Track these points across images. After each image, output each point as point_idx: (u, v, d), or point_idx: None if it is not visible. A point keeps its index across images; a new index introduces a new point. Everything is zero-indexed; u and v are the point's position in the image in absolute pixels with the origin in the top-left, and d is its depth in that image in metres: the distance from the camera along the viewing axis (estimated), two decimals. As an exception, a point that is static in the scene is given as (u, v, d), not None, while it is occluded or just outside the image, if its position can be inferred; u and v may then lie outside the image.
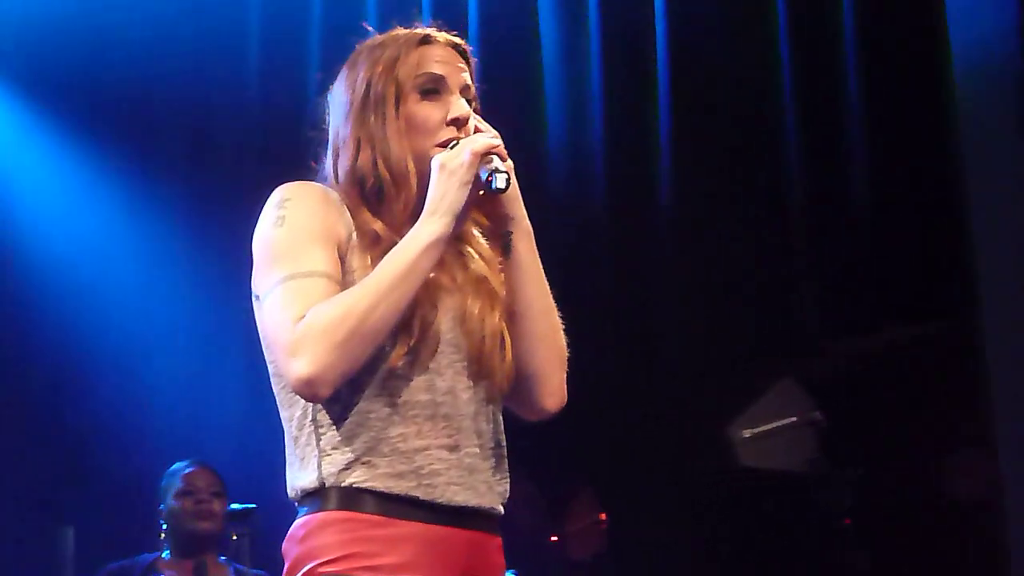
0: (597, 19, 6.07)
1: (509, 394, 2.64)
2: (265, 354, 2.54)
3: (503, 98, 5.89)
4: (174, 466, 5.39)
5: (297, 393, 2.40)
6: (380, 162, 2.53)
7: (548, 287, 2.63)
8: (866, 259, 5.41)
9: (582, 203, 5.98)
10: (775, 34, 5.71)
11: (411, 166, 2.52)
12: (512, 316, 2.59)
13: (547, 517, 5.87)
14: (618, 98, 6.02)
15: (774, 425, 5.16)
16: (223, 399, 6.27)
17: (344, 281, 2.45)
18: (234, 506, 5.25)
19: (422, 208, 2.48)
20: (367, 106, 2.55)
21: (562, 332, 2.65)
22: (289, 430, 2.52)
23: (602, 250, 5.83)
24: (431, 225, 2.43)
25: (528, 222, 2.61)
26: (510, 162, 2.50)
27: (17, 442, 6.45)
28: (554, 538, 5.86)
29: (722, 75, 5.82)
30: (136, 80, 6.60)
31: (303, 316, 2.35)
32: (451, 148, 2.49)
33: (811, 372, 5.36)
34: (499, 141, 2.50)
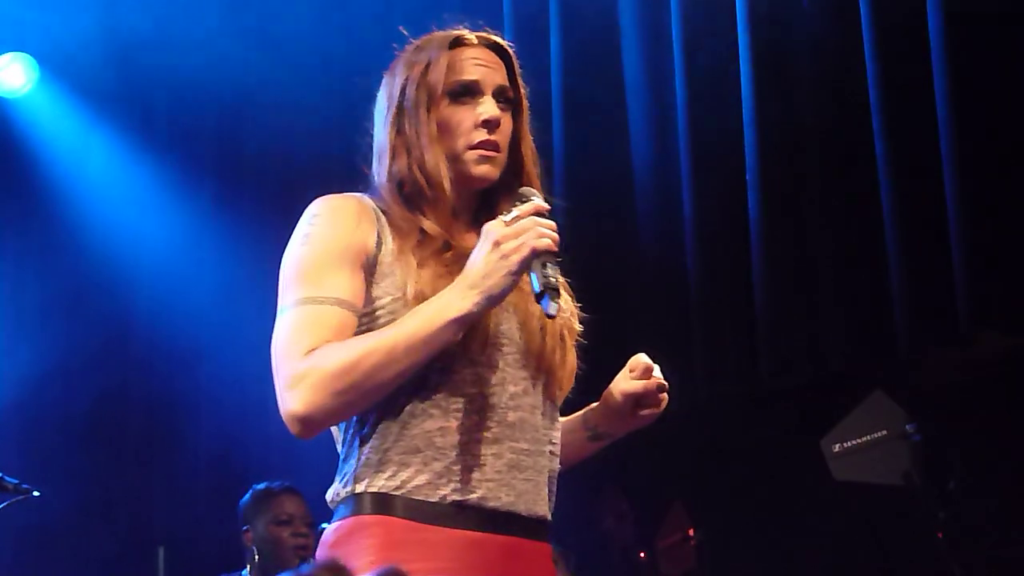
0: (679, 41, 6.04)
1: None
2: None
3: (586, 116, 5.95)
4: (260, 487, 5.39)
5: (286, 423, 2.39)
6: (415, 167, 2.51)
7: None
8: (960, 269, 5.35)
9: (668, 212, 5.96)
10: (860, 45, 5.66)
11: (444, 171, 2.50)
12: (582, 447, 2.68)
13: (637, 533, 5.84)
14: (702, 112, 6.00)
15: (865, 439, 5.10)
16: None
17: (374, 286, 2.44)
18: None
19: (457, 208, 2.50)
20: (402, 112, 2.55)
21: None
22: (338, 435, 2.54)
23: (687, 263, 5.80)
24: (464, 300, 2.37)
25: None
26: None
27: (112, 463, 6.52)
28: (642, 554, 5.83)
29: (808, 84, 5.79)
30: (226, 95, 6.68)
31: (312, 350, 2.35)
32: (508, 217, 2.42)
33: (904, 384, 5.30)
34: (555, 235, 2.40)
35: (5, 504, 5.14)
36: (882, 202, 5.54)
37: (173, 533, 6.22)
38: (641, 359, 2.62)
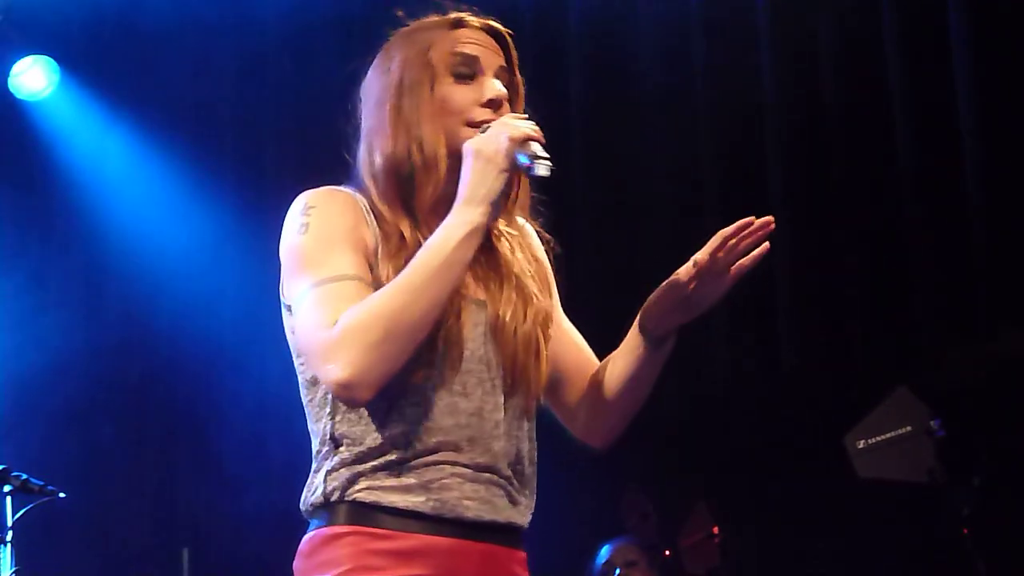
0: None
1: (563, 406, 2.63)
2: (295, 363, 2.52)
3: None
4: None
5: (337, 398, 2.37)
6: (413, 147, 2.46)
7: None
8: (983, 265, 5.34)
9: (687, 198, 5.97)
10: (881, 43, 5.67)
11: (442, 150, 2.46)
12: (624, 376, 2.58)
13: (660, 531, 5.83)
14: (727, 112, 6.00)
15: (889, 435, 5.08)
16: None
17: (374, 288, 2.38)
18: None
19: (446, 194, 2.43)
20: (402, 92, 2.49)
21: None
22: (314, 445, 2.50)
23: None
24: (466, 214, 2.35)
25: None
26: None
27: (138, 465, 6.54)
28: (667, 553, 5.82)
29: (833, 84, 5.79)
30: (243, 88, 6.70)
31: (336, 320, 2.29)
32: (483, 132, 2.41)
33: (928, 380, 5.29)
34: (536, 128, 2.40)
35: (31, 506, 5.16)
36: (905, 197, 5.54)
37: (198, 535, 6.23)
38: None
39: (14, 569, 5.03)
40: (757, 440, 5.79)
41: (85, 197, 6.76)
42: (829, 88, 5.83)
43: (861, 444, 5.11)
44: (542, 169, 2.35)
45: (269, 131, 6.80)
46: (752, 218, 2.46)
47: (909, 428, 5.05)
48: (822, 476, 5.54)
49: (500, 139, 2.36)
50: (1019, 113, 5.33)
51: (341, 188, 2.52)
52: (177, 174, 6.73)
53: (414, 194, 2.48)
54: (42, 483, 5.20)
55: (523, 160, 2.36)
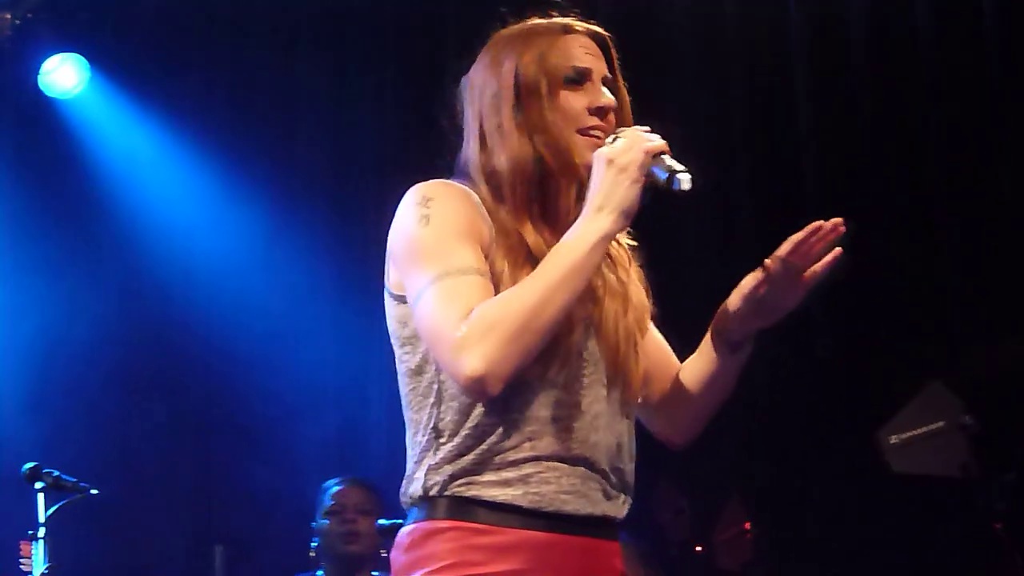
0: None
1: (645, 405, 2.66)
2: (398, 353, 2.53)
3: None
4: (327, 483, 5.42)
5: (466, 391, 2.37)
6: (544, 151, 2.49)
7: None
8: (1017, 256, 5.31)
9: (725, 201, 5.96)
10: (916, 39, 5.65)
11: (576, 152, 2.49)
12: (701, 378, 2.65)
13: (694, 527, 5.82)
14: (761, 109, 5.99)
15: (923, 430, 5.06)
16: (377, 411, 6.29)
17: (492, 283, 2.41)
18: (382, 521, 5.18)
19: (573, 199, 2.47)
20: (521, 94, 2.52)
21: None
22: (413, 435, 2.51)
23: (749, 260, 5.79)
24: (599, 222, 2.37)
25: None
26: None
27: (172, 462, 6.56)
28: (699, 548, 5.82)
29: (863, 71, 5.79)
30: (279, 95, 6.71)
31: (469, 313, 2.31)
32: (613, 142, 2.43)
33: (962, 375, 5.26)
34: (662, 140, 2.42)
35: (64, 503, 5.18)
36: (941, 188, 5.52)
37: (231, 532, 6.24)
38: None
39: (47, 566, 5.04)
40: (791, 435, 5.78)
41: (116, 194, 6.78)
42: (865, 83, 5.82)
43: (894, 439, 5.09)
44: (685, 183, 2.36)
45: (301, 126, 6.81)
46: (822, 222, 2.51)
47: (942, 423, 5.03)
48: (855, 471, 5.52)
49: (635, 151, 2.39)
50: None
51: (454, 183, 2.53)
52: (207, 170, 6.74)
53: (544, 196, 2.51)
54: (74, 480, 5.22)
55: (660, 174, 2.38)
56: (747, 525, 5.67)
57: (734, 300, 2.57)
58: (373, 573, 5.27)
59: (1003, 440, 5.11)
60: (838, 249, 2.52)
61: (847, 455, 5.56)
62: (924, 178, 5.63)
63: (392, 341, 2.55)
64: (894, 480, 5.15)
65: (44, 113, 6.78)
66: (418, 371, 2.49)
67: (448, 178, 2.57)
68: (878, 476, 5.18)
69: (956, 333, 5.53)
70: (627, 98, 2.62)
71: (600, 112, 2.52)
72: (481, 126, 2.56)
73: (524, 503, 2.39)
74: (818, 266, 2.53)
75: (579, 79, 2.54)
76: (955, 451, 4.97)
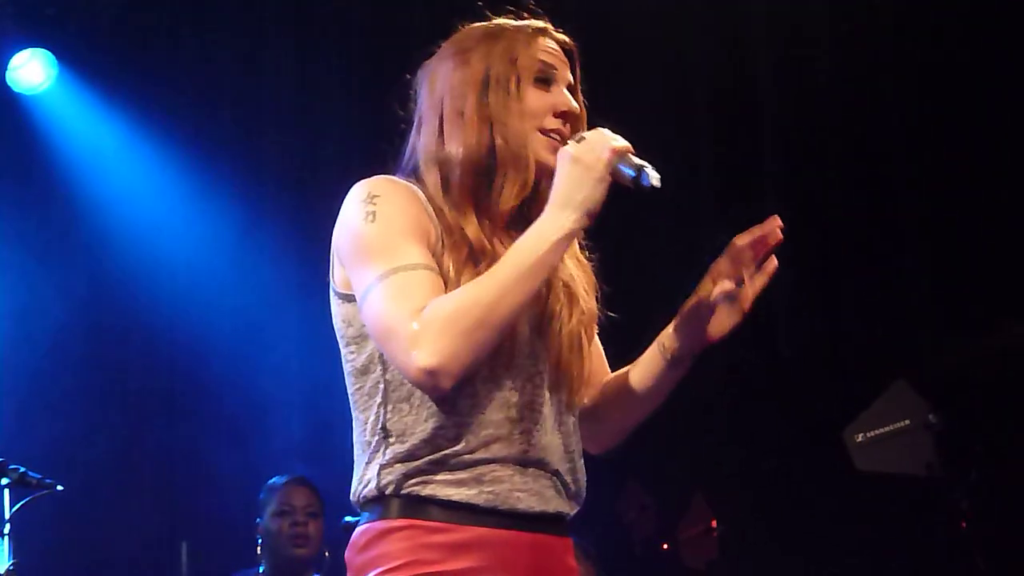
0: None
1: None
2: (343, 352, 2.51)
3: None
4: (272, 480, 5.39)
5: (417, 386, 2.34)
6: (500, 141, 2.47)
7: None
8: (980, 255, 5.34)
9: (691, 205, 5.97)
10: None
11: (531, 148, 2.47)
12: (636, 389, 2.63)
13: (659, 524, 5.84)
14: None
15: (888, 429, 5.08)
16: (344, 407, 6.29)
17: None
18: (348, 519, 5.13)
19: (525, 195, 2.46)
20: (487, 86, 2.49)
21: None
22: (360, 435, 2.50)
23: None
24: (562, 219, 2.34)
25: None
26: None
27: (137, 458, 6.54)
28: (665, 546, 5.83)
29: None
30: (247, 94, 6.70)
31: (421, 308, 2.29)
32: (578, 141, 2.40)
33: (926, 373, 5.29)
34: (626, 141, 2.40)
35: (28, 499, 5.15)
36: (903, 187, 5.55)
37: (197, 528, 6.24)
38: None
39: (12, 562, 5.02)
40: (755, 433, 5.80)
41: (83, 191, 6.75)
42: (825, 81, 5.84)
43: (860, 438, 5.11)
44: (654, 180, 2.34)
45: (268, 122, 6.80)
46: (777, 216, 2.52)
47: (907, 421, 5.06)
48: (820, 469, 5.54)
49: (601, 149, 2.36)
50: (1019, 111, 5.34)
51: (396, 178, 2.51)
52: (175, 166, 6.73)
53: (491, 190, 2.48)
54: (40, 476, 5.19)
55: (628, 172, 2.36)
56: (713, 523, 5.69)
57: (685, 314, 2.57)
58: (315, 575, 5.26)
59: (967, 439, 5.14)
60: (773, 260, 2.53)
61: (811, 453, 5.58)
62: (887, 176, 5.66)
63: (338, 340, 2.52)
64: (859, 478, 5.17)
65: (11, 109, 6.75)
66: (364, 371, 2.47)
67: (392, 173, 2.54)
68: (843, 474, 5.20)
69: (920, 332, 5.56)
70: (584, 112, 2.59)
71: (564, 116, 2.51)
72: (441, 113, 2.53)
73: (480, 502, 2.38)
74: (757, 281, 2.54)
75: (547, 79, 2.53)
76: (920, 450, 5.00)
